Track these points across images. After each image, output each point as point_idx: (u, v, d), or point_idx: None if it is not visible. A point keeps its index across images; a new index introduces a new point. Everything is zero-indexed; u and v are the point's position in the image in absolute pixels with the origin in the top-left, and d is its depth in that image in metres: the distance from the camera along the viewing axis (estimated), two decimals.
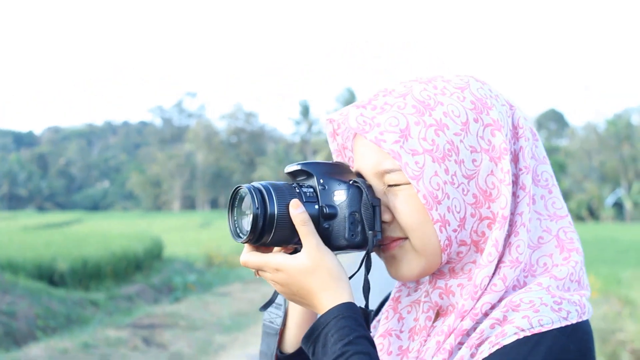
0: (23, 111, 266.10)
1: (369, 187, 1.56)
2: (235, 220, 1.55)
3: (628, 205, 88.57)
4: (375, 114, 1.56)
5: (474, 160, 1.54)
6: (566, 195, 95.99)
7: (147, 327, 12.90)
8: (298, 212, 1.50)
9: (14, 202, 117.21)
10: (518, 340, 1.43)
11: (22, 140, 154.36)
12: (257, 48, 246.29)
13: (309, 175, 1.58)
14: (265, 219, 1.49)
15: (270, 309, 1.74)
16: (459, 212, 1.53)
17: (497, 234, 1.52)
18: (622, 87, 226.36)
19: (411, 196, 1.53)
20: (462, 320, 1.52)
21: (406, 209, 1.54)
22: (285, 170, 1.63)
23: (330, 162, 1.64)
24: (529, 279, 1.56)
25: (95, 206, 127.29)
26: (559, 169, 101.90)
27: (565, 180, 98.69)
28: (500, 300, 1.51)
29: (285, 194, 1.51)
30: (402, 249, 1.57)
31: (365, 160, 1.60)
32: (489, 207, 1.55)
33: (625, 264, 19.36)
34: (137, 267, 20.45)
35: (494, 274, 1.53)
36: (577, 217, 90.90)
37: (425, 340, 1.62)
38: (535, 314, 1.45)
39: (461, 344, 1.52)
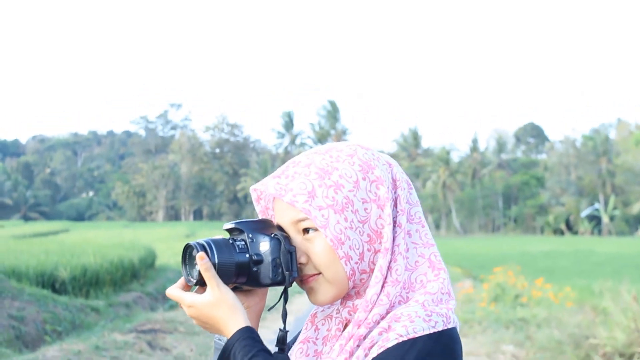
0: (8, 119, 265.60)
1: (287, 237, 1.93)
2: (187, 269, 1.92)
3: (605, 219, 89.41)
4: (288, 182, 1.95)
5: (365, 209, 1.94)
6: (544, 209, 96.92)
7: (150, 332, 13.67)
8: (203, 262, 1.86)
9: (0, 212, 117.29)
10: (398, 344, 1.83)
11: (8, 149, 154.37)
12: (242, 60, 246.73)
13: (241, 231, 1.96)
14: None
15: None
16: (358, 249, 1.92)
17: (381, 262, 1.92)
18: (600, 102, 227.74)
19: (321, 241, 1.92)
20: (358, 328, 1.89)
21: (318, 250, 1.92)
22: (223, 227, 1.99)
23: (257, 219, 2.01)
24: (410, 294, 1.94)
25: (80, 216, 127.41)
26: (538, 182, 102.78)
27: (544, 194, 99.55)
28: (387, 313, 1.90)
29: (222, 247, 1.91)
30: (317, 282, 1.94)
31: (283, 216, 1.97)
32: (379, 242, 1.95)
33: (600, 275, 20.13)
34: (133, 276, 21.19)
35: (380, 291, 1.91)
36: (555, 231, 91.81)
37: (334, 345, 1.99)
38: (411, 323, 1.85)
39: (358, 346, 1.89)
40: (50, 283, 17.06)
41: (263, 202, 2.10)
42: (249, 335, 1.88)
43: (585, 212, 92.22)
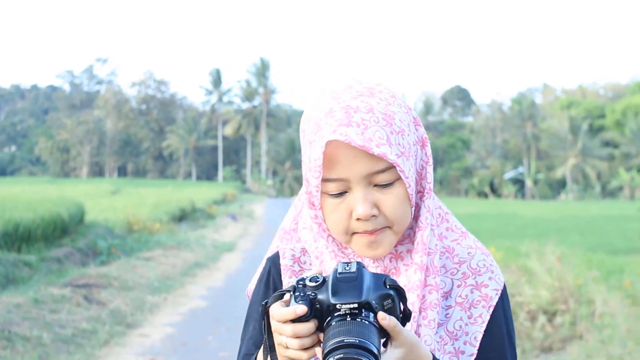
0: None
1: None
2: None
3: (529, 182, 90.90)
4: (363, 130, 1.81)
5: (415, 152, 1.91)
6: (469, 172, 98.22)
7: (85, 287, 13.78)
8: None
9: None
10: (498, 298, 1.96)
11: None
12: (170, 15, 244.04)
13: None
14: None
15: None
16: (414, 194, 1.91)
17: (429, 202, 1.93)
18: (526, 67, 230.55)
19: (397, 192, 1.85)
20: (426, 276, 1.91)
21: (394, 203, 1.85)
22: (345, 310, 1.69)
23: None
24: (446, 233, 2.02)
25: (2, 171, 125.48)
26: (464, 145, 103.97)
27: (469, 156, 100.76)
28: (453, 260, 1.99)
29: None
30: (384, 234, 1.87)
31: (357, 167, 1.83)
32: (421, 184, 1.94)
33: (525, 237, 20.66)
34: (64, 231, 21.13)
35: (431, 234, 1.93)
36: (480, 193, 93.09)
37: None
38: (493, 274, 1.97)
39: (444, 297, 1.95)
40: None
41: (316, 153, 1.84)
42: None
43: (508, 175, 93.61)
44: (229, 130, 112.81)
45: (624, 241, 23.94)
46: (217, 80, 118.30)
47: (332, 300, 1.67)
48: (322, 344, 1.66)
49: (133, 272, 16.72)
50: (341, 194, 1.87)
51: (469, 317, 1.94)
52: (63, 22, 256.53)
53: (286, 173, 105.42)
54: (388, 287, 1.69)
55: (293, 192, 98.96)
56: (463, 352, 1.93)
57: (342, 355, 1.60)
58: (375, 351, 1.60)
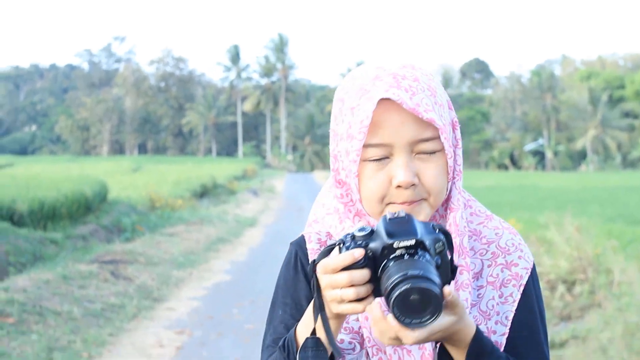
0: None
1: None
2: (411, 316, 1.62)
3: (549, 154, 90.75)
4: (410, 95, 1.80)
5: (449, 131, 1.88)
6: (489, 144, 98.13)
7: (111, 263, 14.04)
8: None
9: None
10: (528, 276, 1.97)
11: None
12: None
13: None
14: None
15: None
16: (453, 168, 1.89)
17: (459, 184, 1.92)
18: (545, 39, 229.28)
19: (438, 163, 1.83)
20: (463, 258, 1.89)
21: (435, 173, 1.82)
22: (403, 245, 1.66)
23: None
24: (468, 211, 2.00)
25: (23, 150, 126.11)
26: (483, 117, 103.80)
27: (489, 129, 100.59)
28: (481, 241, 1.99)
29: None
30: (419, 206, 1.84)
31: (403, 133, 1.80)
32: (452, 165, 1.88)
33: (544, 209, 20.76)
34: (88, 209, 21.45)
35: (462, 215, 1.90)
36: (500, 166, 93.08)
37: None
38: (522, 252, 1.98)
39: (475, 278, 1.96)
40: (9, 216, 17.27)
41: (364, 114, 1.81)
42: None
43: (528, 147, 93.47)
44: (248, 106, 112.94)
45: None
46: (235, 57, 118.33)
47: (388, 241, 1.65)
48: (382, 285, 1.63)
49: (157, 248, 16.99)
50: (381, 159, 1.83)
51: (500, 297, 1.95)
52: (80, 1, 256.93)
53: (306, 148, 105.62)
54: (437, 231, 1.68)
55: (313, 167, 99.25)
56: (495, 332, 1.94)
57: (409, 286, 1.57)
58: (439, 284, 1.59)
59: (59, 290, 11.08)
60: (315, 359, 1.74)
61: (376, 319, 1.68)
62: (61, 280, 11.56)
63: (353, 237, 1.68)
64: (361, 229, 1.68)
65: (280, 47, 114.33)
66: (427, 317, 1.59)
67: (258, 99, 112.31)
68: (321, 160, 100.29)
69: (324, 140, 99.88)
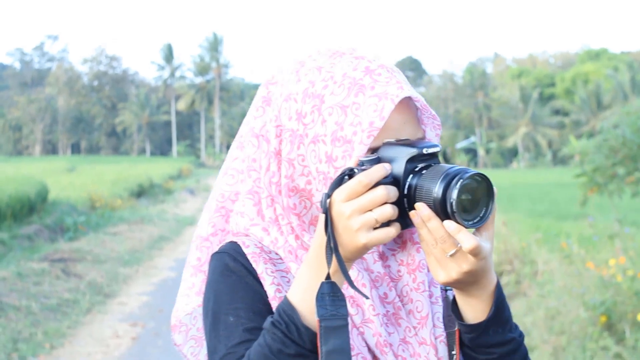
0: None
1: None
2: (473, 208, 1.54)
3: (481, 152, 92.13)
4: (415, 92, 1.67)
5: None
6: None
7: (60, 261, 14.54)
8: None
9: None
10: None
11: None
12: None
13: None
14: None
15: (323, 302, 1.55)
16: None
17: None
18: (477, 37, 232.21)
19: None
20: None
21: None
22: (431, 151, 1.61)
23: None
24: None
25: None
26: None
27: None
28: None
29: None
30: None
31: (404, 133, 1.65)
32: None
33: None
34: (31, 209, 21.79)
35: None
36: None
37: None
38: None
39: None
40: None
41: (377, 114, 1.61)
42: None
43: (461, 145, 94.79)
44: (182, 105, 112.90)
45: (572, 207, 24.93)
46: (168, 56, 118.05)
47: (414, 151, 1.57)
48: (420, 193, 1.55)
49: (103, 247, 17.48)
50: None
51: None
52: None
53: None
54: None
55: None
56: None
57: (471, 173, 1.51)
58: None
59: (15, 286, 11.61)
60: (334, 307, 1.54)
61: (427, 219, 1.54)
62: (16, 278, 12.09)
63: (362, 163, 1.57)
64: (366, 157, 1.58)
65: (215, 45, 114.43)
66: (483, 210, 1.53)
67: (192, 97, 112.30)
68: None
69: None
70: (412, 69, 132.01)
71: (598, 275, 8.46)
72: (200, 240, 1.90)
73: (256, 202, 1.79)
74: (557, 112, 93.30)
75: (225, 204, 1.88)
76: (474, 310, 1.67)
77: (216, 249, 1.82)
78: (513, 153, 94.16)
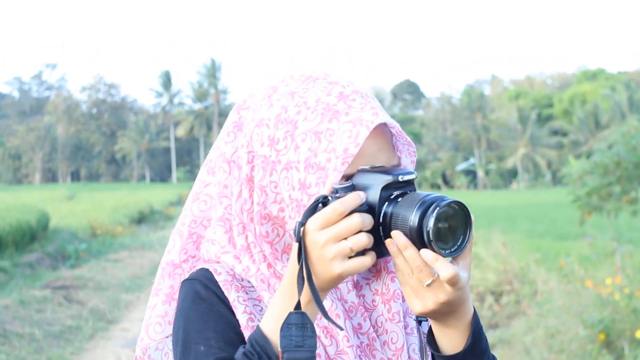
0: None
1: None
2: (449, 237, 1.53)
3: (480, 173, 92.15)
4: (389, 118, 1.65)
5: None
6: (422, 165, 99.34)
7: (62, 288, 14.63)
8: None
9: None
10: None
11: None
12: (117, 18, 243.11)
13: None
14: None
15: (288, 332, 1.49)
16: None
17: None
18: (474, 59, 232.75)
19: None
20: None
21: None
22: (406, 179, 1.60)
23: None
24: None
25: None
26: (415, 138, 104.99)
27: (421, 149, 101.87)
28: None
29: None
30: None
31: (379, 160, 1.63)
32: None
33: (476, 227, 21.63)
34: (32, 238, 21.88)
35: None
36: (433, 185, 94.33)
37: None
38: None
39: None
40: None
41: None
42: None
43: (460, 167, 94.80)
44: (181, 132, 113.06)
45: (571, 227, 24.99)
46: (167, 82, 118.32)
47: (390, 178, 1.56)
48: (395, 222, 1.53)
49: (104, 274, 17.56)
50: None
51: None
52: (10, 29, 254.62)
53: None
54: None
55: None
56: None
57: (448, 201, 1.50)
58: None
59: (18, 314, 11.70)
60: (301, 338, 1.48)
61: (403, 247, 1.52)
62: (19, 305, 12.18)
63: (336, 190, 1.54)
64: (341, 184, 1.55)
65: (213, 72, 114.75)
66: (460, 238, 1.52)
67: (191, 124, 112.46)
68: None
69: None
70: (410, 92, 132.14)
71: (596, 294, 8.54)
72: (172, 267, 1.85)
73: (227, 229, 1.76)
74: (555, 132, 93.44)
75: (198, 230, 1.85)
76: (451, 340, 1.65)
77: (187, 275, 1.79)
78: (512, 174, 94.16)
